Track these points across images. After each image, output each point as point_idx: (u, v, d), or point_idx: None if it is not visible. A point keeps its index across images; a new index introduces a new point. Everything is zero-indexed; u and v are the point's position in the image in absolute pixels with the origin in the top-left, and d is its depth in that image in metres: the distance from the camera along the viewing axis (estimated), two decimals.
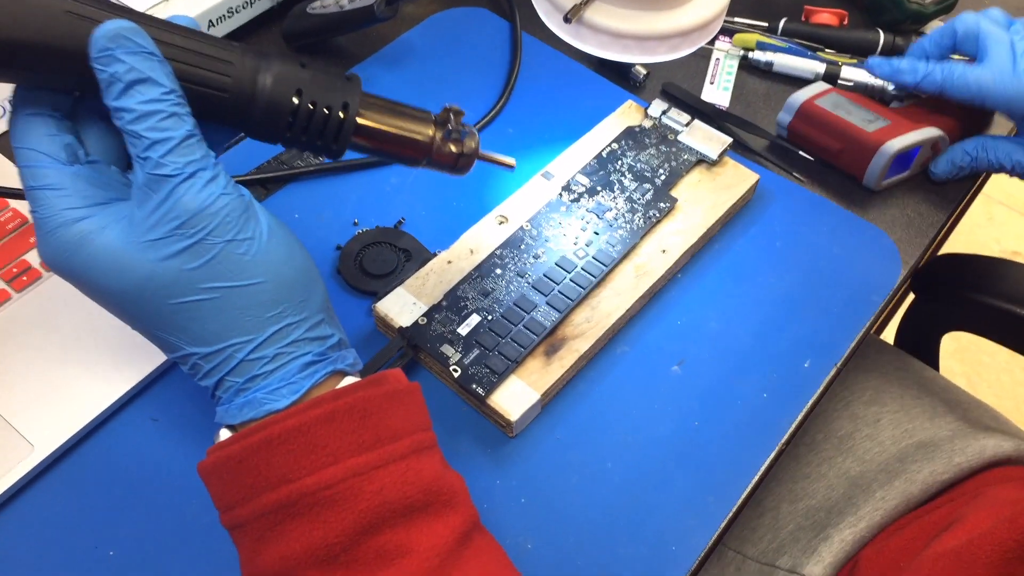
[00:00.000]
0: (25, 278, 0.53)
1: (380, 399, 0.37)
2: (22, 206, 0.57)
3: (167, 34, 0.36)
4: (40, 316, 0.52)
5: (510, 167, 0.46)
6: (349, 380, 0.39)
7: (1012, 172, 0.61)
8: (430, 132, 0.42)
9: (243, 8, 0.68)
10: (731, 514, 0.49)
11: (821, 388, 0.54)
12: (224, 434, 0.38)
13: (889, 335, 0.90)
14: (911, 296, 0.82)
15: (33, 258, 0.55)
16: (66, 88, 0.36)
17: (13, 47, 0.33)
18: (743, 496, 0.49)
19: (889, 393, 0.71)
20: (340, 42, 0.72)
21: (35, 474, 0.47)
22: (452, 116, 0.42)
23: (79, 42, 0.34)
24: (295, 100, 0.38)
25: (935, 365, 0.82)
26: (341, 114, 0.39)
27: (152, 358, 0.50)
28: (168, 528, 0.46)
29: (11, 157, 0.59)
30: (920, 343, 0.82)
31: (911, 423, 0.68)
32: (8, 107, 0.40)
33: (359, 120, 0.40)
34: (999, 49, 0.58)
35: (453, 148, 0.43)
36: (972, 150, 0.62)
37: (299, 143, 0.40)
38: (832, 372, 0.54)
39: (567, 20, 0.47)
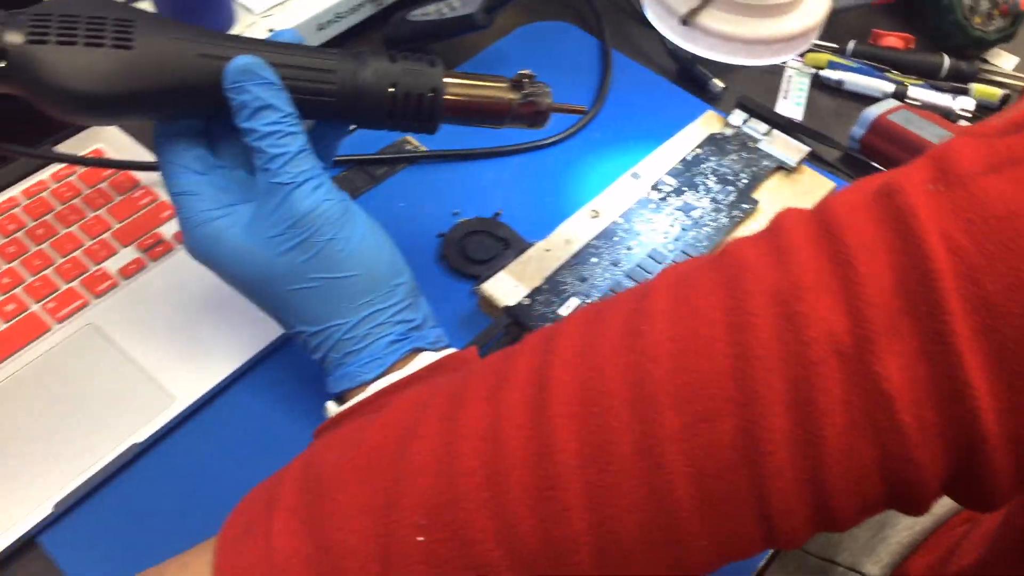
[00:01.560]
0: (159, 248, 0.58)
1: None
2: (153, 184, 0.62)
3: (280, 56, 0.42)
4: (174, 283, 0.57)
5: (581, 113, 0.51)
6: (427, 355, 0.43)
7: None
8: (508, 96, 0.47)
9: (349, 14, 0.74)
10: None
11: None
12: (330, 407, 0.44)
13: None
14: None
15: (166, 231, 0.59)
16: (199, 114, 0.43)
17: (161, 93, 0.40)
18: None
19: None
20: (434, 49, 0.77)
21: (176, 423, 0.51)
22: (526, 79, 0.48)
23: (213, 78, 0.40)
24: (391, 91, 0.44)
25: None
26: (431, 95, 0.45)
27: (276, 327, 0.55)
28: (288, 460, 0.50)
29: (144, 143, 0.64)
30: None
31: None
32: None
33: (447, 98, 0.46)
34: None
35: (530, 107, 0.48)
36: None
37: (399, 126, 0.46)
38: None
39: (684, 23, 0.51)
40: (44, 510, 0.47)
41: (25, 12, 0.39)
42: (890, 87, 0.73)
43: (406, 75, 0.44)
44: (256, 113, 0.40)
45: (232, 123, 0.41)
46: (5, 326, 0.54)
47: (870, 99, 0.74)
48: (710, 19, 0.52)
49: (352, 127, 0.65)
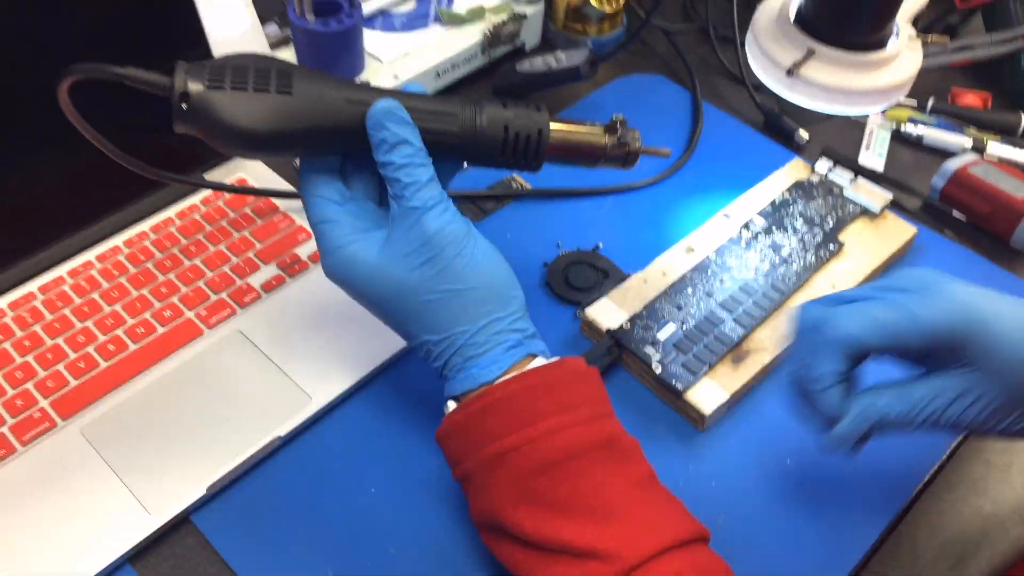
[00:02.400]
0: (296, 267, 0.65)
1: (564, 377, 0.47)
2: (290, 210, 0.69)
3: (412, 102, 0.49)
4: (309, 297, 0.63)
5: (665, 156, 0.56)
6: (540, 360, 0.48)
7: None
8: (604, 140, 0.53)
9: (463, 64, 0.81)
10: (903, 509, 0.56)
11: None
12: (450, 404, 0.49)
13: None
14: None
15: (302, 251, 0.66)
16: (340, 151, 0.49)
17: (313, 132, 0.47)
18: (915, 492, 0.56)
19: (1020, 445, 0.76)
20: (537, 97, 0.83)
21: (311, 421, 0.57)
22: (619, 124, 0.53)
23: (357, 119, 0.47)
24: (503, 134, 0.50)
25: None
26: (538, 138, 0.51)
27: (396, 341, 0.61)
28: (414, 475, 0.55)
29: (282, 175, 0.71)
30: None
31: None
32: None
33: (551, 140, 0.52)
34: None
35: (623, 149, 0.53)
36: None
37: (508, 164, 0.52)
38: None
39: (789, 74, 0.56)
40: (198, 492, 0.53)
41: (204, 64, 0.46)
42: (968, 142, 0.77)
43: (517, 119, 0.50)
44: (393, 148, 0.46)
45: (367, 159, 0.48)
46: (164, 330, 0.60)
47: (948, 153, 0.78)
48: (812, 71, 0.57)
49: (465, 165, 0.72)
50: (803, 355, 0.47)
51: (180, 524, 0.53)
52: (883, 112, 0.82)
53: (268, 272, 0.65)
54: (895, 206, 0.73)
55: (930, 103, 0.81)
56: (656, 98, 0.84)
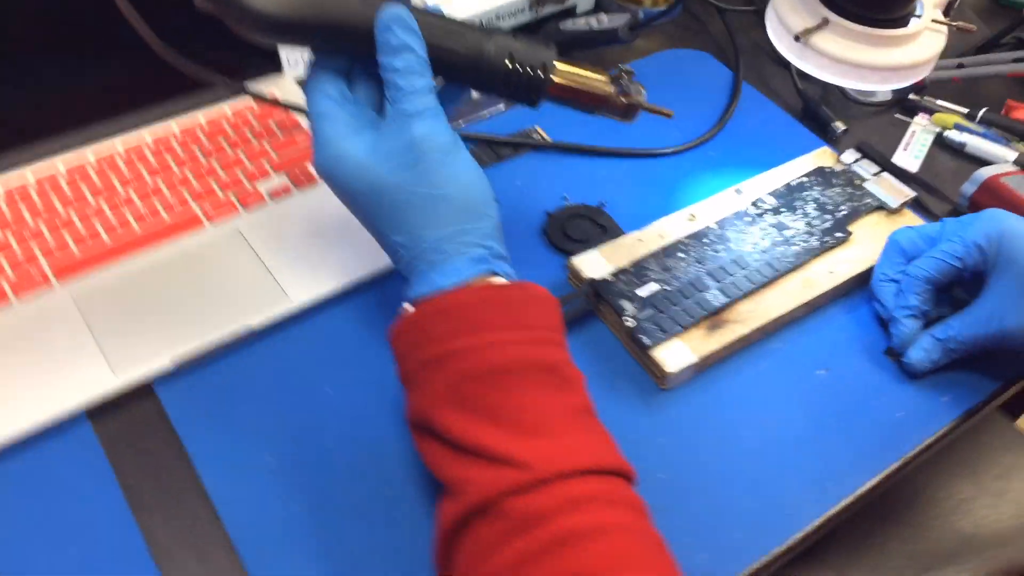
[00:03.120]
0: (304, 180, 0.67)
1: (521, 297, 0.47)
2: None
3: (423, 16, 0.49)
4: (310, 210, 0.65)
5: (668, 116, 0.56)
6: (501, 280, 0.49)
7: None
8: (608, 88, 0.53)
9: (508, 17, 0.82)
10: (841, 507, 0.54)
11: (952, 423, 0.58)
12: (407, 307, 0.49)
13: None
14: None
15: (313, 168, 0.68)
16: (348, 52, 0.50)
17: (326, 24, 0.48)
18: (857, 493, 0.54)
19: (1020, 474, 0.73)
20: (579, 59, 0.83)
21: (286, 319, 0.59)
22: (625, 75, 0.53)
23: (368, 19, 0.48)
24: (507, 63, 0.50)
25: None
26: (540, 73, 0.51)
27: (380, 260, 0.62)
28: (370, 383, 0.56)
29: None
30: None
31: None
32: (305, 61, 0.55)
33: (553, 78, 0.52)
34: (935, 227, 0.62)
35: (625, 100, 0.53)
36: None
37: (508, 94, 0.52)
38: (965, 412, 0.59)
39: (797, 39, 0.55)
40: (163, 362, 0.55)
41: None
42: (1012, 155, 0.74)
43: (524, 50, 0.51)
44: (396, 52, 0.47)
45: (374, 67, 0.49)
46: (169, 218, 0.63)
47: (989, 164, 0.75)
48: (823, 41, 0.56)
49: (475, 95, 0.73)
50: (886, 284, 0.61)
51: (142, 391, 0.56)
52: (929, 115, 0.79)
53: (277, 181, 0.67)
54: (920, 208, 0.71)
55: (981, 112, 0.78)
56: (698, 74, 0.83)
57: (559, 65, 0.52)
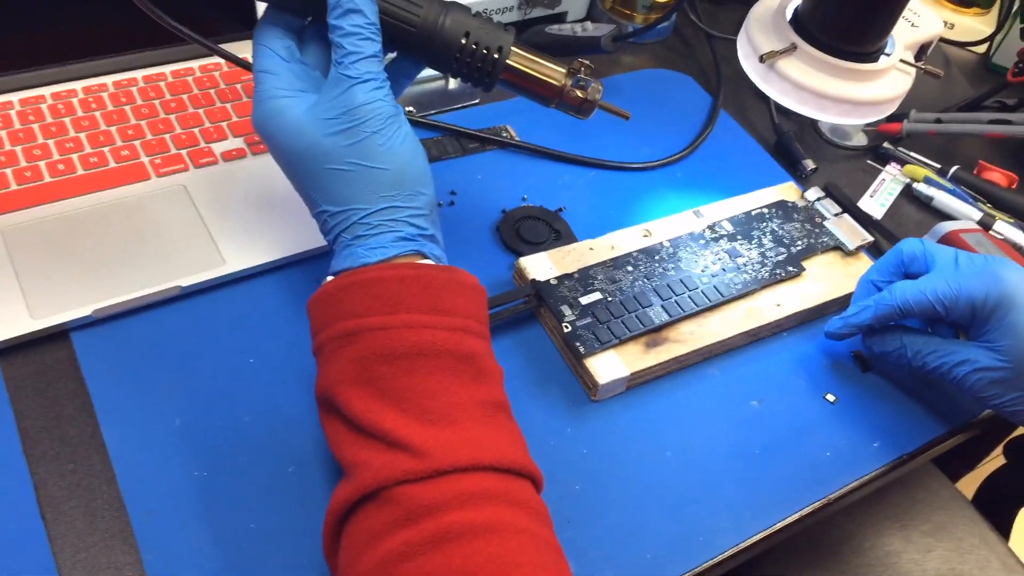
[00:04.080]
0: (261, 146, 0.66)
1: (445, 280, 0.45)
2: None
3: None
4: (261, 177, 0.64)
5: (625, 118, 0.54)
6: (428, 262, 0.47)
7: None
8: (563, 79, 0.51)
9: (495, 13, 0.81)
10: (757, 539, 0.53)
11: (880, 469, 0.57)
12: (328, 279, 0.47)
13: (968, 489, 0.90)
14: (1001, 458, 0.82)
15: None
16: (300, 8, 0.49)
17: None
18: (777, 527, 0.53)
19: (950, 534, 0.72)
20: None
21: (218, 284, 0.58)
22: (582, 68, 0.52)
23: None
24: (463, 40, 0.49)
25: (1006, 533, 0.82)
26: (496, 55, 0.50)
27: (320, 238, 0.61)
28: (294, 358, 0.55)
29: None
30: (996, 505, 0.82)
31: (962, 566, 0.69)
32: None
33: (508, 61, 0.50)
34: (945, 255, 0.57)
35: (580, 94, 0.52)
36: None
37: (462, 74, 0.51)
38: (895, 460, 0.58)
39: (761, 60, 0.55)
40: (84, 311, 0.54)
41: None
42: (977, 215, 0.74)
43: (480, 29, 0.50)
44: (346, 14, 0.46)
45: (323, 26, 0.47)
46: (115, 165, 0.62)
47: (954, 220, 0.74)
48: (788, 66, 0.55)
49: (452, 82, 0.72)
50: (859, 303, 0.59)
51: (58, 337, 0.54)
52: (900, 166, 0.79)
53: (233, 144, 0.66)
54: (877, 253, 0.70)
55: (952, 170, 0.78)
56: (678, 96, 0.82)
57: (516, 50, 0.51)
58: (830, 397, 0.60)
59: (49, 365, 0.53)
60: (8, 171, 0.60)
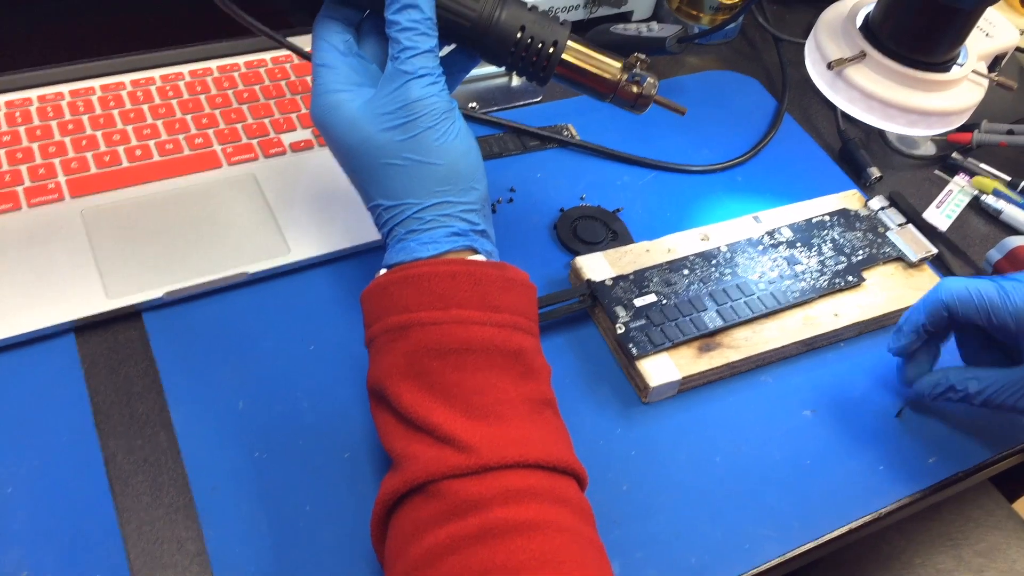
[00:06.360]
0: None
1: (495, 277, 0.46)
2: None
3: None
4: (327, 168, 0.65)
5: (681, 113, 0.53)
6: (480, 258, 0.48)
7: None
8: (618, 73, 0.51)
9: (561, 13, 0.81)
10: (803, 550, 0.53)
11: (934, 486, 0.56)
12: (382, 271, 0.48)
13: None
14: None
15: None
16: (359, 5, 0.50)
17: None
18: (824, 539, 0.53)
19: (1004, 555, 0.71)
20: None
21: (284, 272, 0.59)
22: (638, 62, 0.51)
23: None
24: (518, 34, 0.49)
25: None
26: (551, 49, 0.50)
27: None
28: (353, 348, 0.56)
29: None
30: None
31: None
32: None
33: (563, 56, 0.50)
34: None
35: (635, 89, 0.51)
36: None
37: (517, 68, 0.51)
38: (951, 477, 0.57)
39: (830, 67, 0.54)
40: (156, 292, 0.56)
41: None
42: None
43: (536, 23, 0.50)
44: (403, 9, 0.46)
45: (381, 21, 0.48)
46: (189, 152, 0.64)
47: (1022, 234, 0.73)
48: (857, 73, 0.54)
49: (511, 75, 0.73)
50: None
51: (130, 317, 0.56)
52: (969, 177, 0.77)
53: (301, 135, 0.67)
54: (941, 267, 0.69)
55: None
56: (743, 99, 0.82)
57: (571, 43, 0.51)
58: (887, 410, 0.59)
59: (121, 343, 0.55)
60: (89, 155, 0.62)
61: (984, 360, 0.58)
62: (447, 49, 0.52)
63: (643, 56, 0.51)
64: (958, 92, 0.56)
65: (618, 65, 0.51)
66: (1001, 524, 0.74)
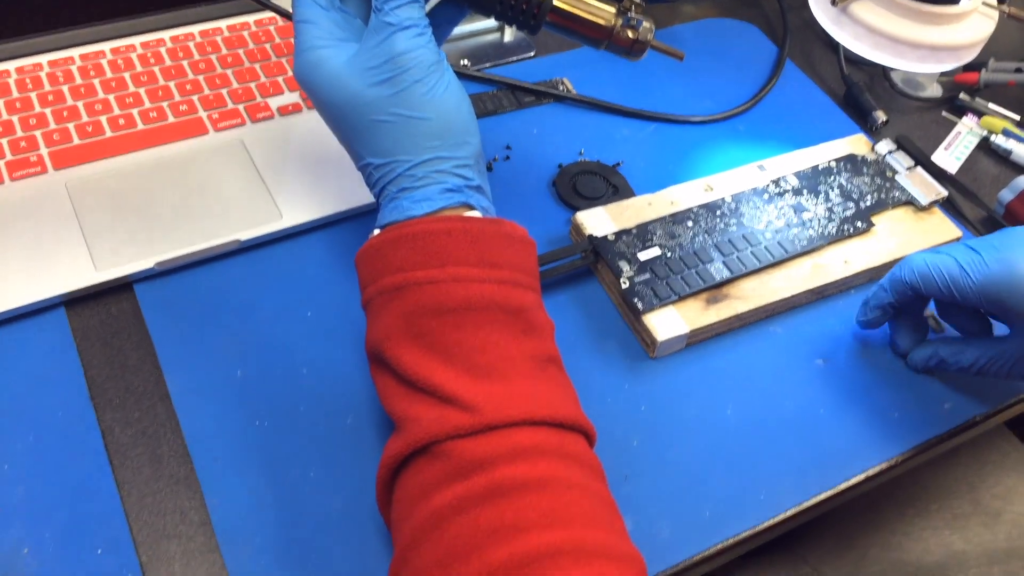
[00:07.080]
0: None
1: (493, 232, 0.44)
2: None
3: None
4: (315, 131, 0.64)
5: (679, 58, 0.52)
6: (476, 214, 0.46)
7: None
8: (612, 18, 0.49)
9: None
10: (820, 499, 0.51)
11: (950, 431, 0.55)
12: (375, 231, 0.47)
13: None
14: None
15: None
16: None
17: None
18: (841, 487, 0.52)
19: (1021, 496, 0.70)
20: None
21: (276, 238, 0.58)
22: (633, 6, 0.49)
23: None
24: None
25: None
26: None
27: None
28: (350, 312, 0.55)
29: None
30: None
31: None
32: None
33: (555, 2, 0.48)
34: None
35: (631, 34, 0.49)
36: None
37: (507, 17, 0.49)
38: (967, 422, 0.56)
39: (833, 3, 0.52)
40: (147, 264, 0.54)
41: None
42: None
43: None
44: None
45: None
46: (174, 120, 0.62)
47: None
48: (862, 9, 0.52)
49: (503, 29, 0.70)
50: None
51: (121, 288, 0.55)
52: (977, 118, 0.75)
53: (289, 98, 0.65)
54: (952, 209, 0.67)
55: None
56: (743, 46, 0.80)
57: None
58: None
59: (114, 316, 0.54)
60: (71, 126, 0.61)
61: (972, 328, 0.56)
62: (435, 1, 0.50)
63: (638, 0, 0.49)
64: (968, 25, 0.54)
65: (612, 10, 0.49)
66: (1018, 467, 0.73)
